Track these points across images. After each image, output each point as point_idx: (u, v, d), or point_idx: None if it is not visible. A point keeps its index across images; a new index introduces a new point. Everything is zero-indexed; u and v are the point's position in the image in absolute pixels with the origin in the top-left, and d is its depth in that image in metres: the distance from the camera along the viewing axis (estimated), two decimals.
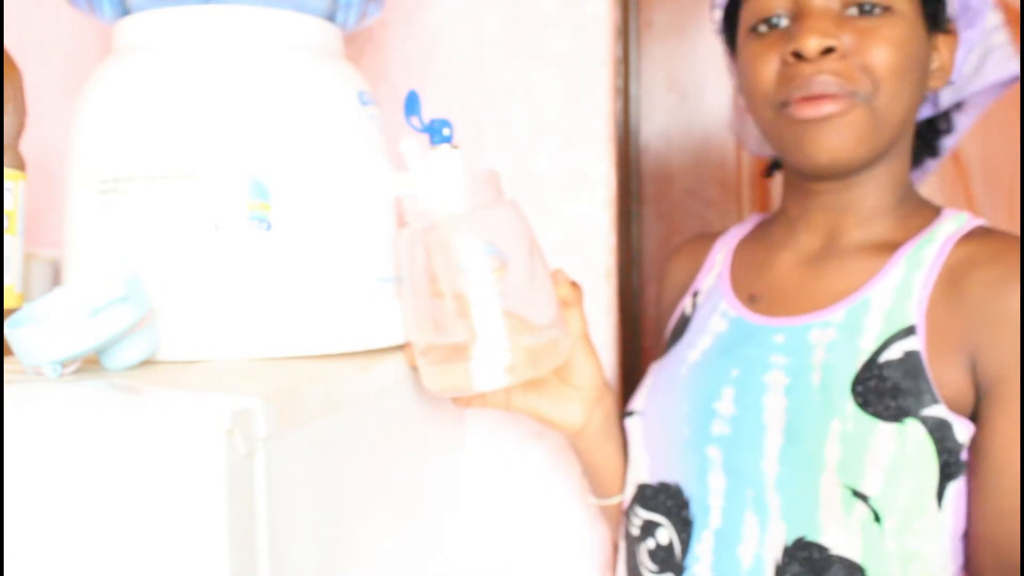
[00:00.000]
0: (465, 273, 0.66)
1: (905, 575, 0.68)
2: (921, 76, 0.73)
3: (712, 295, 0.84)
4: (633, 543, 0.81)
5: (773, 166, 0.91)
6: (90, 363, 0.62)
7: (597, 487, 0.86)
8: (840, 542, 0.68)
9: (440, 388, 0.69)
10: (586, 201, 0.93)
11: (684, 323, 0.86)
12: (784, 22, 0.73)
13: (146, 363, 0.62)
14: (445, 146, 0.71)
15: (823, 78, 0.70)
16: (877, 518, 0.67)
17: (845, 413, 0.68)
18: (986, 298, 0.68)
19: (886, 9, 0.71)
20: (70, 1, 0.72)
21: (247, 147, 0.65)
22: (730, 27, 0.82)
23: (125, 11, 0.70)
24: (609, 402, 0.82)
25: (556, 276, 0.73)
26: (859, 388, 0.69)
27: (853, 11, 0.71)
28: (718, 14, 0.82)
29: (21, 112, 0.72)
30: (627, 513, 0.82)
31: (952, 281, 0.70)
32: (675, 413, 0.78)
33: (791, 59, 0.71)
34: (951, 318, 0.69)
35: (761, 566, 0.70)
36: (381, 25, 0.97)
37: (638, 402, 0.83)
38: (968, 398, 0.68)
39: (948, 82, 0.77)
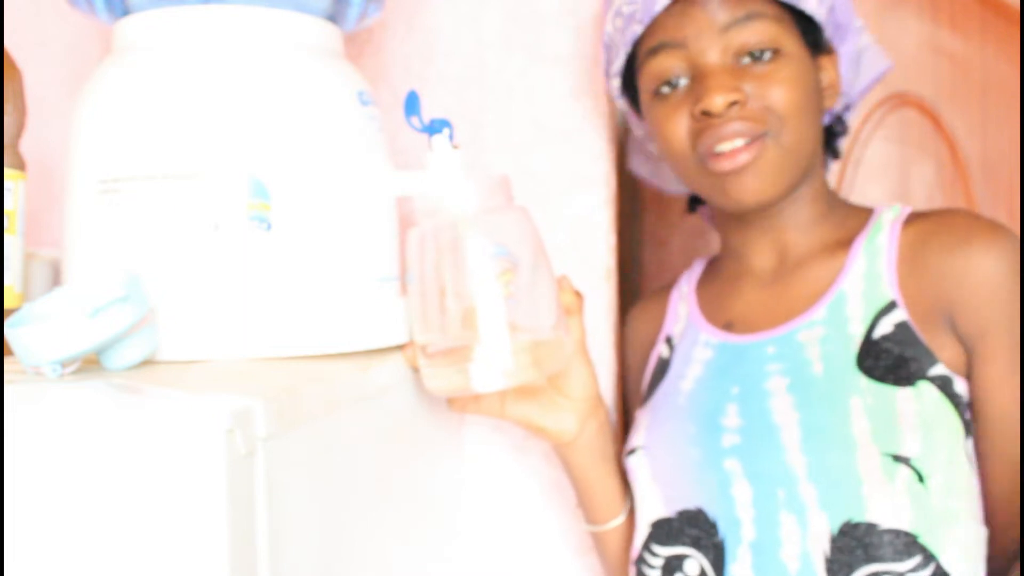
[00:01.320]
0: (472, 275, 0.66)
1: (951, 539, 0.68)
2: (818, 103, 0.78)
3: (688, 333, 0.85)
4: None
5: (694, 201, 0.94)
6: (90, 363, 0.62)
7: (591, 511, 0.85)
8: (888, 514, 0.68)
9: (440, 388, 0.69)
10: (586, 201, 0.93)
11: (664, 364, 0.86)
12: (683, 81, 0.76)
13: (146, 363, 0.62)
14: (444, 139, 0.71)
15: (734, 126, 0.73)
16: (921, 478, 0.68)
17: (861, 389, 0.70)
18: (947, 264, 0.72)
19: (776, 52, 0.75)
20: (70, 1, 0.72)
21: (247, 147, 0.65)
22: (628, 89, 0.85)
23: (125, 11, 0.70)
24: (603, 415, 0.82)
25: (561, 282, 0.73)
26: (864, 365, 0.71)
27: (746, 60, 0.75)
28: (616, 82, 0.84)
29: (21, 112, 0.72)
30: (640, 559, 0.79)
31: (911, 258, 0.74)
32: (682, 438, 0.77)
33: (700, 117, 0.74)
34: (921, 291, 0.73)
35: (810, 564, 0.69)
36: (381, 25, 0.97)
37: (639, 438, 0.81)
38: (961, 359, 0.72)
39: (839, 96, 0.82)
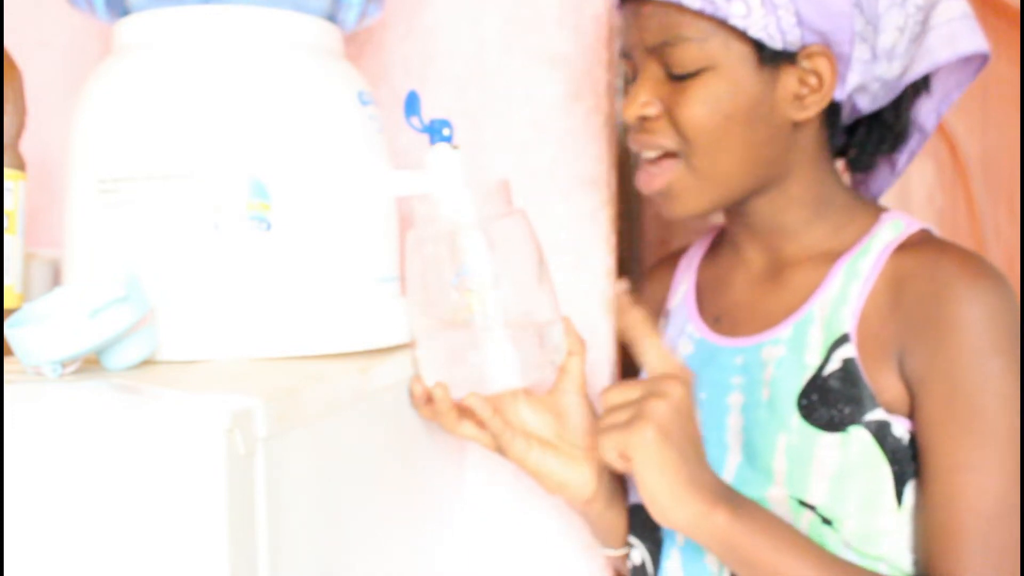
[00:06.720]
0: (471, 277, 0.66)
1: None
2: (755, 122, 0.71)
3: (678, 316, 0.85)
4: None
5: None
6: (90, 363, 0.62)
7: (608, 540, 0.84)
8: None
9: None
10: (586, 201, 0.93)
11: None
12: None
13: (146, 363, 0.62)
14: (444, 146, 0.71)
15: (643, 138, 0.73)
16: (828, 522, 0.69)
17: (790, 426, 0.70)
18: (918, 308, 0.69)
19: (704, 69, 0.70)
20: (70, 1, 0.72)
21: (247, 147, 0.65)
22: None
23: (125, 11, 0.70)
24: None
25: (566, 324, 0.73)
26: (804, 401, 0.70)
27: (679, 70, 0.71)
28: (619, 43, 0.82)
29: (21, 112, 0.72)
30: None
31: (888, 293, 0.71)
32: None
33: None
34: (884, 326, 0.70)
35: (726, 573, 0.73)
36: (381, 25, 0.97)
37: None
38: (904, 400, 0.69)
39: (831, 100, 0.72)
